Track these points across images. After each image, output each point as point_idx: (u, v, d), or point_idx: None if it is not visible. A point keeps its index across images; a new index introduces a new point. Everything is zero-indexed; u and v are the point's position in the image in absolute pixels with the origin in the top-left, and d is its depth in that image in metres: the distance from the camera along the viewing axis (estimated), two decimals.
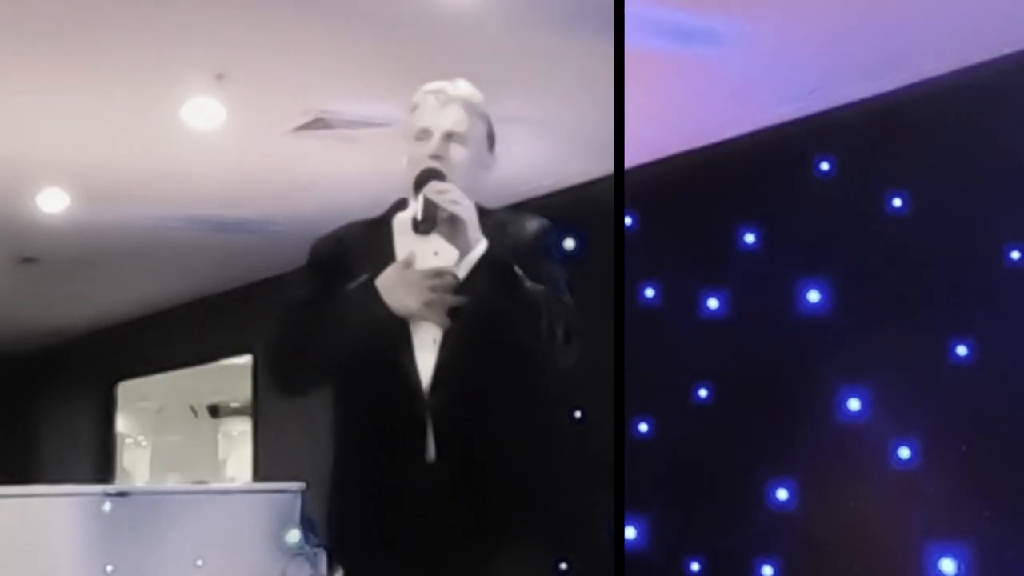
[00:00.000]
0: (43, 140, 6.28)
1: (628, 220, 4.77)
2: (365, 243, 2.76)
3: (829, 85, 4.61)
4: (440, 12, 4.76)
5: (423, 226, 2.59)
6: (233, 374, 10.87)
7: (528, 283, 2.59)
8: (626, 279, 4.46)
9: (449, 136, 2.72)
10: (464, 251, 2.60)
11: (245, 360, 10.20)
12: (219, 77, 5.41)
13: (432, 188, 2.61)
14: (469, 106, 2.76)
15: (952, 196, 4.38)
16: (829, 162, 4.71)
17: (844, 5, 4.17)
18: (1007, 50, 4.26)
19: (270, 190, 7.20)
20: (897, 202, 4.51)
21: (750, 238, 4.89)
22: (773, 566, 4.60)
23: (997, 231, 4.28)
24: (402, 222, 2.74)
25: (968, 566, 4.15)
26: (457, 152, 2.71)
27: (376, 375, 2.62)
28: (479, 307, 2.58)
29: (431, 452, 2.56)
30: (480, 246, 2.61)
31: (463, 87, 2.78)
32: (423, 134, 2.73)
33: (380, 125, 5.93)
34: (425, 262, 2.63)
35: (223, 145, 6.22)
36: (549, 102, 5.57)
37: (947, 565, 4.17)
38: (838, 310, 4.63)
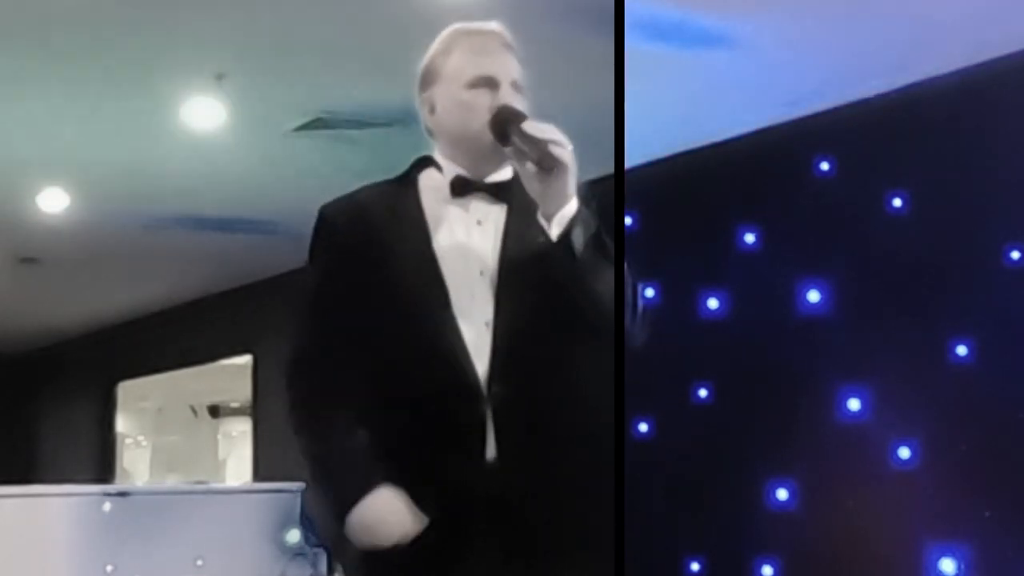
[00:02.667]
0: (43, 140, 6.28)
1: (628, 220, 4.76)
2: (388, 208, 2.33)
3: (829, 85, 4.60)
4: (440, 12, 4.76)
5: (532, 158, 2.18)
6: (233, 374, 10.88)
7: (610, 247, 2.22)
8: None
9: (515, 86, 2.31)
10: (559, 204, 2.20)
11: (245, 360, 10.20)
12: (219, 77, 5.41)
13: (532, 126, 2.20)
14: (516, 52, 2.36)
15: (952, 196, 4.38)
16: (829, 162, 4.70)
17: (844, 5, 4.16)
18: (1007, 50, 4.26)
19: (270, 190, 7.20)
20: (897, 202, 4.50)
21: (750, 238, 4.88)
22: (773, 566, 4.59)
23: (997, 231, 4.27)
24: (432, 183, 2.34)
25: (968, 566, 4.15)
26: (522, 108, 2.29)
27: (423, 379, 2.22)
28: (565, 273, 2.19)
29: (491, 450, 2.19)
30: (575, 200, 2.23)
31: (502, 28, 2.37)
32: (484, 83, 2.30)
33: (380, 125, 5.93)
34: (465, 235, 2.27)
35: (223, 145, 6.23)
36: (548, 102, 5.57)
37: (947, 565, 4.16)
38: (838, 310, 4.62)
